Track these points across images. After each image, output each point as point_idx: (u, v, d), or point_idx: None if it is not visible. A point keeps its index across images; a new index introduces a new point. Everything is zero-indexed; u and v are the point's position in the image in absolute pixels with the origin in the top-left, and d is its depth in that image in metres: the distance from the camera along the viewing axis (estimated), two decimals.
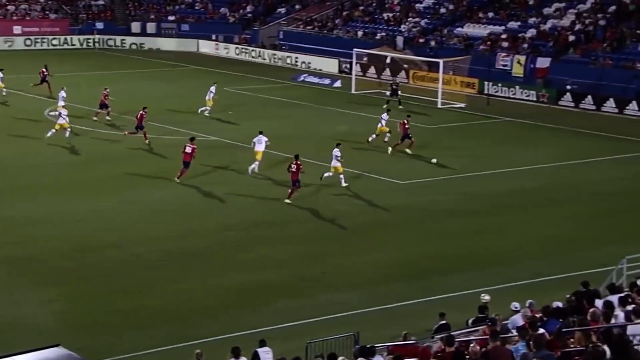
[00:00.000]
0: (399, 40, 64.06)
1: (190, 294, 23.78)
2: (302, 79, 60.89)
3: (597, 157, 39.63)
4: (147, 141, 39.76)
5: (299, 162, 31.79)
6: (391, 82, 54.21)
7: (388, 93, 51.74)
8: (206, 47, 73.48)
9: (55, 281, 24.53)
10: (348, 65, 61.95)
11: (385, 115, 40.79)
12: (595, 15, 58.06)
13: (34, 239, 27.71)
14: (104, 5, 78.05)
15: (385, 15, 68.42)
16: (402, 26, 66.02)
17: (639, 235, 28.27)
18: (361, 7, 70.90)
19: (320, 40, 68.24)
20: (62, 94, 43.91)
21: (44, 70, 51.19)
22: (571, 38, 57.12)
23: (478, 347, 14.11)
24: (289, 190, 31.76)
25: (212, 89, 46.69)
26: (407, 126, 39.22)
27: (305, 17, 72.77)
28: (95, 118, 44.14)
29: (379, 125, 40.49)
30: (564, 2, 60.41)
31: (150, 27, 76.08)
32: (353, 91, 55.28)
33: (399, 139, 39.20)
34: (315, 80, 60.18)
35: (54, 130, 39.61)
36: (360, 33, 67.32)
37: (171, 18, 76.77)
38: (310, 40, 68.91)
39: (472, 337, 17.15)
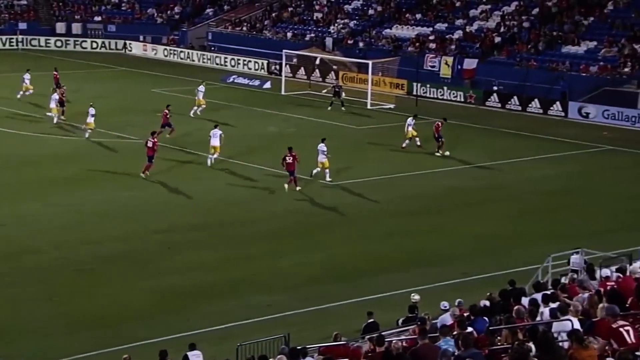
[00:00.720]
0: (328, 41, 64.32)
1: (119, 298, 23.52)
2: (231, 80, 60.65)
3: (523, 157, 40.37)
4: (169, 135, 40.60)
5: (294, 154, 32.96)
6: (334, 84, 54.35)
7: (331, 95, 51.80)
8: (134, 48, 72.75)
9: None
10: (278, 67, 61.96)
11: (411, 120, 41.18)
12: (520, 17, 59.19)
13: None
14: (27, 5, 76.55)
15: (314, 16, 68.62)
16: (331, 27, 66.30)
17: (564, 234, 28.88)
18: (290, 9, 70.97)
19: (250, 42, 68.12)
20: (55, 96, 44.05)
21: (55, 72, 49.73)
22: (497, 39, 58.13)
23: (400, 343, 14.32)
24: (292, 180, 33.05)
25: (201, 88, 47.04)
26: (439, 129, 39.65)
27: (234, 18, 72.53)
28: (62, 117, 44.59)
29: (407, 130, 40.90)
30: (490, 4, 61.41)
31: (76, 27, 74.89)
32: (283, 92, 55.29)
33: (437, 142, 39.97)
34: (245, 81, 60.01)
35: (89, 130, 40.75)
36: (289, 34, 67.39)
37: (97, 19, 75.70)
38: (239, 41, 68.73)
39: (403, 337, 17.37)
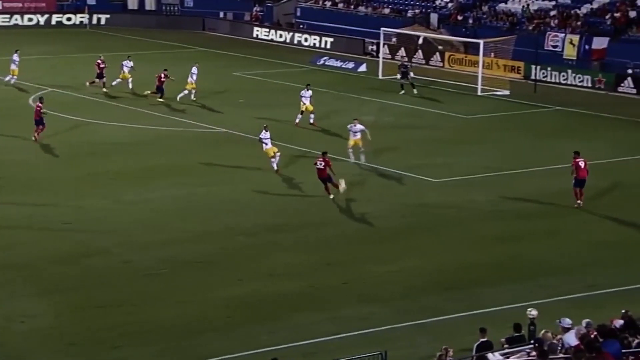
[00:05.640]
0: (433, 17, 63.93)
1: (194, 307, 23.77)
2: (322, 62, 60.85)
3: None
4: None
5: None
6: (400, 63, 53.87)
7: (398, 76, 51.46)
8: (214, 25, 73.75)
9: (38, 293, 24.53)
10: (375, 47, 61.86)
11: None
12: None
13: (12, 244, 27.73)
14: None
15: None
16: (437, 1, 65.83)
17: None
18: None
19: (343, 18, 68.20)
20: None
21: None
22: (632, 14, 56.74)
23: None
24: None
25: (194, 69, 47.15)
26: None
27: None
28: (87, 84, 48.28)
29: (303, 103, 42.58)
30: None
31: (149, 2, 76.39)
32: (380, 76, 55.17)
33: None
34: (338, 64, 60.12)
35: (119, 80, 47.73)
36: (387, 10, 67.19)
37: None
38: (331, 18, 68.87)
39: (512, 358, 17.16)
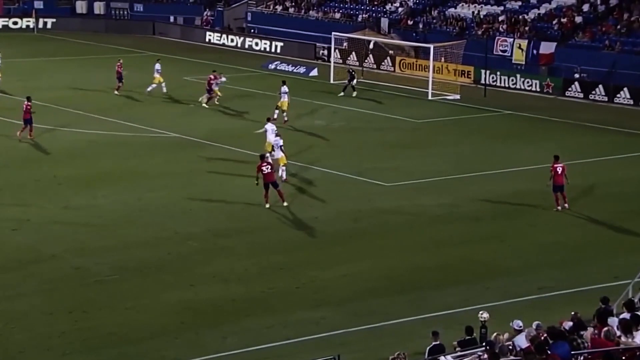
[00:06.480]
0: (384, 22, 64.11)
1: (144, 313, 23.59)
2: (273, 66, 60.76)
3: (610, 155, 39.82)
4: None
5: None
6: (348, 69, 53.90)
7: (346, 81, 51.75)
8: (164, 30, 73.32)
9: None
10: (326, 52, 61.91)
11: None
12: None
13: None
14: None
15: None
16: (387, 6, 66.06)
17: None
18: None
19: (294, 23, 68.17)
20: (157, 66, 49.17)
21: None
22: (578, 19, 57.37)
23: None
24: None
25: (223, 78, 47.81)
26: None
27: None
28: (116, 92, 48.60)
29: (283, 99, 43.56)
30: None
31: (98, 7, 75.77)
32: (332, 81, 55.21)
33: None
34: (289, 68, 60.05)
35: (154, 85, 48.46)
36: (338, 15, 67.30)
37: None
38: (282, 22, 68.82)
39: None
